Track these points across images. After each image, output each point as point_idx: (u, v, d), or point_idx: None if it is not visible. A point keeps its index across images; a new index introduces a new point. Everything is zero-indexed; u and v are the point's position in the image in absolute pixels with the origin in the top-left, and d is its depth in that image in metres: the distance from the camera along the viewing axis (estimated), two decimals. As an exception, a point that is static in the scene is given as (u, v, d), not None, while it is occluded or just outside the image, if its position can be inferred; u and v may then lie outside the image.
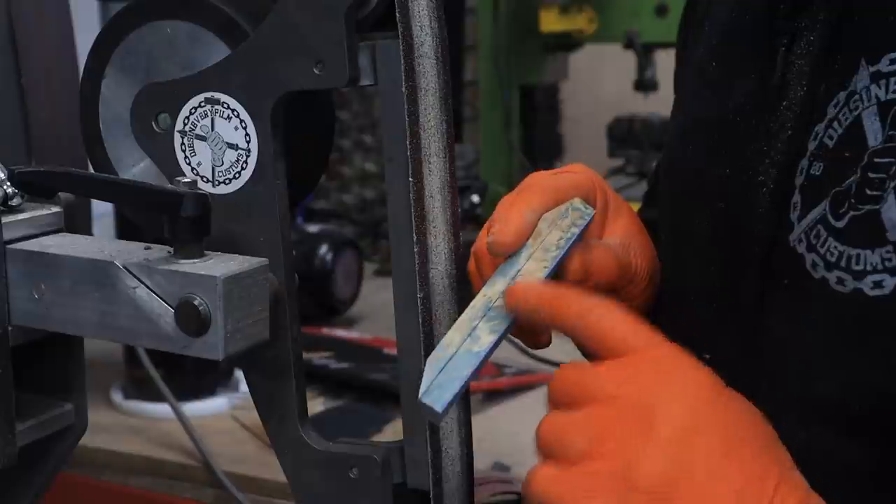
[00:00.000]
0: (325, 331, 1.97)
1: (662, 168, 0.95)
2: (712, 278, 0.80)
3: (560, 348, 0.77)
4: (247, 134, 0.73)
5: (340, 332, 1.97)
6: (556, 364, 1.67)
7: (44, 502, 0.85)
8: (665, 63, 2.67)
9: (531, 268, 0.72)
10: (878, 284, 0.68)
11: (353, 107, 2.57)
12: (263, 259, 0.71)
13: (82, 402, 0.84)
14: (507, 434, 1.48)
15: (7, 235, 0.75)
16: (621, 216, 0.85)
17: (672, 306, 0.86)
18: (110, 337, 0.73)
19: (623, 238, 0.83)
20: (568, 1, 2.61)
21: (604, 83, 3.39)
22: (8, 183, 0.76)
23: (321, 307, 2.02)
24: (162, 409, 1.60)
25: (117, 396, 1.69)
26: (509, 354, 1.84)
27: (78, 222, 0.80)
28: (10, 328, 0.75)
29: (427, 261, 0.72)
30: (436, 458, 0.73)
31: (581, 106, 3.28)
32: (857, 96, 0.71)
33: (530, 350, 1.35)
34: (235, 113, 0.73)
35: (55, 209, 0.79)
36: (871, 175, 0.69)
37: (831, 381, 0.70)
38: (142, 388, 1.66)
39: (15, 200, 0.77)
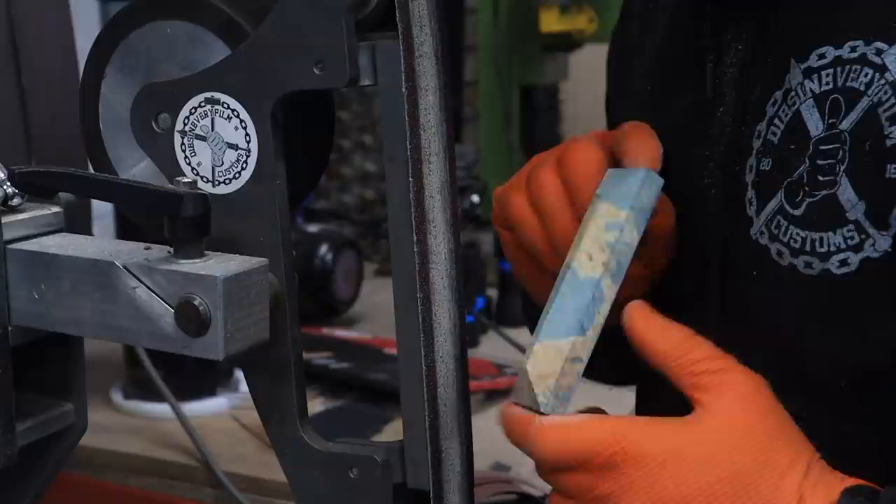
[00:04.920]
0: (325, 331, 1.97)
1: None
2: (680, 279, 0.83)
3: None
4: (247, 134, 0.73)
5: (340, 332, 1.97)
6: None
7: (44, 502, 0.85)
8: (665, 63, 2.67)
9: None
10: (843, 263, 0.71)
11: (353, 107, 2.56)
12: (263, 259, 0.71)
13: (82, 402, 0.84)
14: (507, 434, 1.48)
15: (7, 235, 0.75)
16: None
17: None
18: (110, 337, 0.73)
19: None
20: (568, 1, 2.61)
21: (604, 83, 3.38)
22: (8, 183, 0.76)
23: (321, 307, 2.02)
24: (162, 409, 1.60)
25: (117, 396, 1.69)
26: (509, 354, 1.84)
27: (78, 222, 0.80)
28: (10, 328, 0.75)
29: (427, 261, 0.72)
30: (436, 458, 0.73)
31: (581, 106, 3.28)
32: (793, 93, 0.75)
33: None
34: (235, 113, 0.73)
35: (55, 209, 0.79)
36: (819, 162, 0.73)
37: (818, 362, 0.73)
38: (142, 388, 1.65)
39: (15, 200, 0.77)
